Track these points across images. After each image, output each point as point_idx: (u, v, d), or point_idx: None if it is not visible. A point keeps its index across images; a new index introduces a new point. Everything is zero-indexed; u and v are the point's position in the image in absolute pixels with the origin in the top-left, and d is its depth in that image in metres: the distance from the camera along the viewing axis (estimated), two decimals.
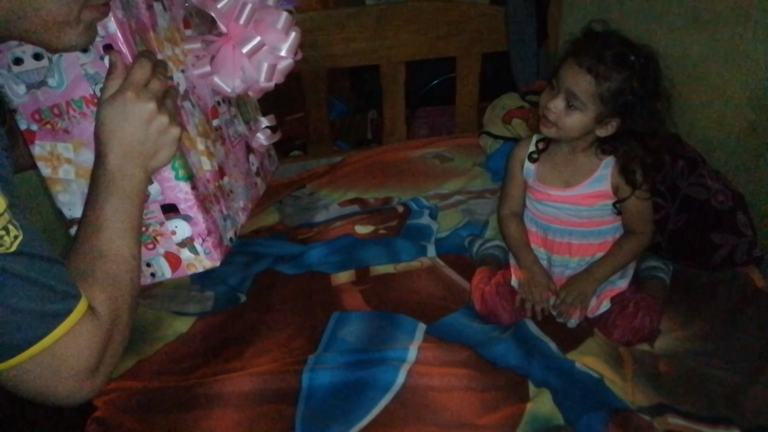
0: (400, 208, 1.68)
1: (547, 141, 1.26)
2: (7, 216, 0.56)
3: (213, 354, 1.18)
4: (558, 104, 1.13)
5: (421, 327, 1.23)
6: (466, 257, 1.47)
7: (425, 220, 1.62)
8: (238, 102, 1.13)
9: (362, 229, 1.58)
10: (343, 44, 1.97)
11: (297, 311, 1.28)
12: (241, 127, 1.11)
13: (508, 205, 1.34)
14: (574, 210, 1.22)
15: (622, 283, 1.24)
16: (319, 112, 2.09)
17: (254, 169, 1.13)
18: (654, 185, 1.19)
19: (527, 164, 1.28)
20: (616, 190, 1.20)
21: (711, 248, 1.37)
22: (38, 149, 0.85)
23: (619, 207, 1.20)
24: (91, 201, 0.72)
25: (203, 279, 1.40)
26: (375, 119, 2.54)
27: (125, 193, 0.72)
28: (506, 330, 1.23)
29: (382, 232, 1.57)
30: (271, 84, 1.04)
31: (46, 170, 0.86)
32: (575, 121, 1.13)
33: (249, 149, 1.13)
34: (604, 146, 1.18)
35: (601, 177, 1.19)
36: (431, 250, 1.49)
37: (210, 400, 1.08)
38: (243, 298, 1.35)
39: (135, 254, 0.72)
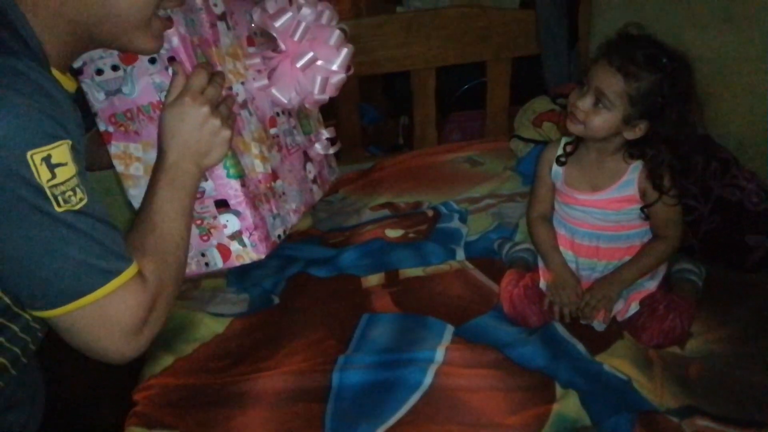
0: (430, 212, 1.70)
1: (575, 144, 1.26)
2: (75, 180, 0.65)
3: (247, 354, 1.23)
4: (586, 102, 1.13)
5: (450, 329, 1.25)
6: (495, 260, 1.48)
7: (455, 223, 1.64)
8: (300, 115, 1.21)
9: (392, 233, 1.60)
10: (374, 51, 2.00)
11: (328, 313, 1.32)
12: (300, 138, 1.20)
13: (536, 208, 1.35)
14: (601, 214, 1.22)
15: (651, 285, 1.23)
16: (351, 118, 2.13)
17: (311, 176, 1.21)
18: (682, 191, 1.18)
19: (555, 167, 1.28)
20: (643, 194, 1.20)
21: (745, 250, 1.35)
22: (114, 149, 0.97)
23: (646, 212, 1.20)
24: (150, 189, 0.81)
25: (238, 282, 1.45)
26: (406, 124, 2.57)
27: (180, 184, 0.81)
28: (534, 332, 1.24)
29: (411, 235, 1.59)
30: (325, 96, 1.13)
31: (119, 167, 0.97)
32: (602, 120, 1.13)
33: (307, 158, 1.21)
34: (632, 150, 1.18)
35: (629, 181, 1.19)
36: (460, 254, 1.51)
37: (243, 397, 1.12)
38: (276, 300, 1.39)
39: (184, 237, 0.81)
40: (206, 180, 0.95)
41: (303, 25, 1.06)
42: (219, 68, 0.97)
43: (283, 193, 1.09)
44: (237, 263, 1.01)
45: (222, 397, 1.12)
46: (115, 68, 0.93)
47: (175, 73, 0.86)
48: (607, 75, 1.11)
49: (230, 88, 0.99)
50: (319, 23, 1.10)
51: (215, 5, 1.01)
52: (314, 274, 1.45)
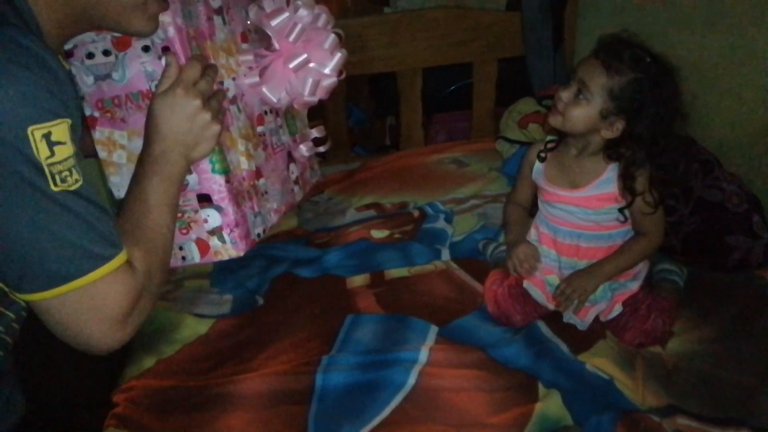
0: (416, 213, 1.70)
1: (557, 142, 1.27)
2: (72, 161, 0.64)
3: (230, 355, 1.22)
4: (568, 92, 1.15)
5: (434, 329, 1.25)
6: (480, 260, 1.49)
7: (440, 224, 1.64)
8: (287, 115, 1.21)
9: (378, 234, 1.60)
10: (361, 52, 2.00)
11: (313, 314, 1.31)
12: (286, 137, 1.20)
13: (514, 197, 1.38)
14: (581, 213, 1.22)
15: (633, 286, 1.24)
16: (337, 118, 2.13)
17: (293, 177, 1.21)
18: (662, 195, 1.18)
19: (536, 165, 1.29)
20: (622, 193, 1.20)
21: (726, 251, 1.36)
22: (98, 134, 0.96)
23: (626, 213, 1.20)
24: (136, 178, 0.80)
25: (222, 282, 1.44)
26: (393, 125, 2.57)
27: (167, 175, 0.80)
28: (518, 332, 1.24)
29: (397, 236, 1.59)
30: (315, 99, 1.13)
31: (102, 153, 0.96)
32: (581, 112, 1.14)
33: (291, 159, 1.21)
34: (610, 152, 1.18)
35: (608, 180, 1.20)
36: (446, 254, 1.51)
37: (225, 399, 1.11)
38: (261, 300, 1.38)
39: (170, 227, 0.81)
40: (191, 173, 0.94)
41: (299, 26, 1.06)
42: (212, 62, 0.96)
43: (266, 192, 1.09)
44: (215, 259, 1.01)
45: (204, 399, 1.11)
46: (106, 53, 0.92)
47: (168, 64, 0.85)
48: (591, 68, 1.13)
49: (221, 83, 0.99)
50: (314, 26, 1.10)
51: None
52: (299, 275, 1.45)
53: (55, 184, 0.63)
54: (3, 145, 0.60)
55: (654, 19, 1.81)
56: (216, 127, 0.84)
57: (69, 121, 0.64)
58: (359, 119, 2.66)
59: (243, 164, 1.03)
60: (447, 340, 1.22)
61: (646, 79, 1.12)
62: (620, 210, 1.20)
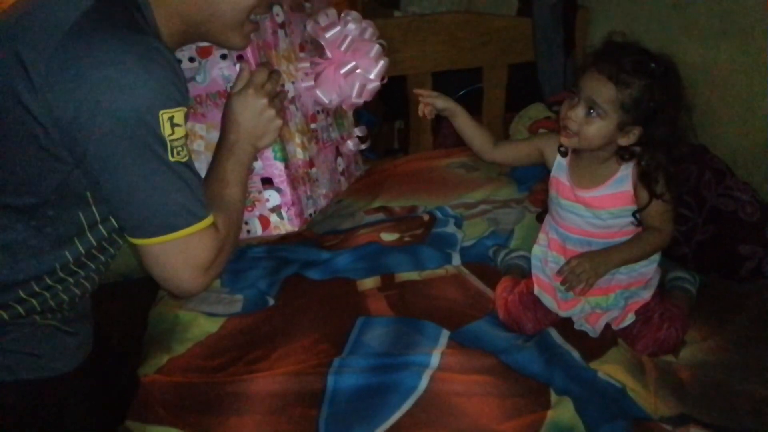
0: (426, 217, 1.69)
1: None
2: (184, 140, 0.82)
3: (240, 354, 1.22)
4: (579, 113, 1.12)
5: (445, 333, 1.24)
6: (491, 266, 1.48)
7: (450, 228, 1.64)
8: (336, 115, 1.38)
9: (388, 237, 1.60)
10: None
11: (323, 316, 1.31)
12: (335, 134, 1.36)
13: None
14: (593, 216, 1.21)
15: (646, 295, 1.23)
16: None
17: (340, 169, 1.38)
18: (678, 194, 1.18)
19: (558, 159, 1.26)
20: (635, 190, 1.18)
21: (738, 260, 1.36)
22: None
23: (638, 217, 1.19)
24: (216, 161, 0.98)
25: (233, 282, 1.44)
26: (402, 129, 2.57)
27: (239, 158, 0.97)
28: (530, 338, 1.24)
29: (407, 239, 1.59)
30: (360, 101, 1.31)
31: None
32: (597, 129, 1.12)
33: (339, 153, 1.38)
34: (623, 153, 1.16)
35: (622, 178, 1.18)
36: (456, 259, 1.51)
37: (236, 398, 1.11)
38: (271, 301, 1.38)
39: (242, 201, 0.98)
40: (256, 160, 1.10)
41: (349, 38, 1.23)
42: (276, 68, 1.11)
43: (317, 179, 1.26)
44: (274, 233, 1.18)
45: (216, 397, 1.11)
46: (191, 60, 1.11)
47: (241, 69, 1.03)
48: (597, 84, 1.11)
49: (283, 86, 1.15)
50: (362, 37, 1.27)
51: (278, 15, 1.17)
52: (309, 277, 1.44)
53: (173, 156, 0.80)
54: (141, 122, 0.76)
55: (665, 26, 1.82)
56: (278, 122, 1.01)
57: (185, 109, 0.81)
58: (368, 123, 2.65)
59: (299, 154, 1.20)
60: (459, 344, 1.22)
61: (655, 83, 1.10)
62: (634, 214, 1.18)
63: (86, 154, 0.77)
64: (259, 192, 1.15)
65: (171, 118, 0.78)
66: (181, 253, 0.83)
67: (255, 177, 1.13)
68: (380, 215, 1.74)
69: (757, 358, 1.16)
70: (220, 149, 0.98)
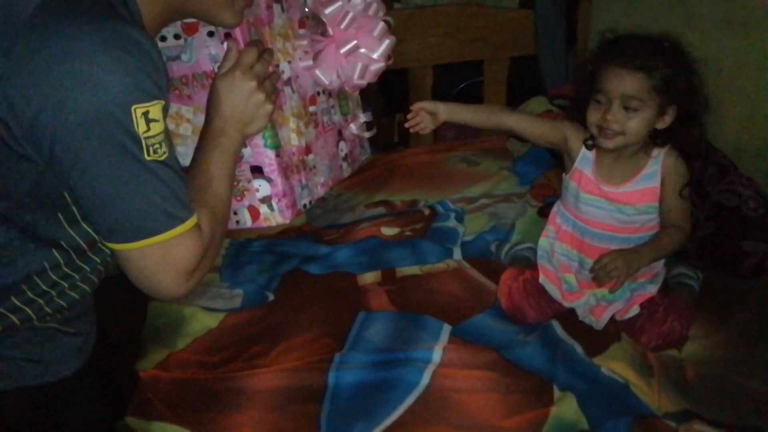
0: (426, 211, 1.69)
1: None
2: (162, 136, 0.75)
3: (241, 350, 1.21)
4: (617, 113, 1.11)
5: (447, 328, 1.24)
6: (492, 260, 1.47)
7: (451, 222, 1.63)
8: (339, 96, 1.29)
9: (388, 231, 1.59)
10: None
11: (323, 311, 1.30)
12: (337, 117, 1.28)
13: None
14: (619, 211, 1.19)
15: (652, 288, 1.22)
16: None
17: (342, 154, 1.30)
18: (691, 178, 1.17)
19: (584, 151, 1.23)
20: (662, 186, 1.17)
21: (741, 256, 1.35)
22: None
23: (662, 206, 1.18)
24: (199, 150, 0.90)
25: (232, 277, 1.43)
26: (402, 122, 2.54)
27: (225, 148, 0.90)
28: (532, 331, 1.23)
29: (407, 233, 1.58)
30: (363, 82, 1.21)
31: (170, 126, 1.04)
32: (639, 121, 1.11)
33: (341, 137, 1.30)
34: (656, 139, 1.15)
35: (652, 173, 1.17)
36: (457, 253, 1.50)
37: (237, 394, 1.10)
38: (271, 296, 1.37)
39: (228, 195, 0.91)
40: (245, 147, 1.04)
41: (351, 14, 1.15)
42: (269, 46, 1.05)
43: (314, 167, 1.19)
44: (264, 225, 1.10)
45: (216, 392, 1.10)
46: (177, 37, 1.03)
47: (229, 48, 0.94)
48: (626, 79, 1.09)
49: (277, 66, 1.08)
50: (366, 14, 1.18)
51: None
52: (309, 271, 1.44)
53: (148, 155, 0.73)
54: (111, 118, 0.70)
55: (668, 19, 1.80)
56: (269, 107, 0.93)
57: (162, 102, 0.74)
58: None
59: (293, 140, 1.13)
60: (460, 339, 1.21)
61: (674, 59, 1.10)
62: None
63: (53, 152, 0.71)
64: (248, 181, 1.08)
65: (146, 113, 0.72)
66: (161, 258, 0.77)
67: (244, 165, 1.07)
68: (381, 209, 1.73)
69: (760, 354, 1.16)
70: (204, 138, 0.91)
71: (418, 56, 2.04)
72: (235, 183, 1.03)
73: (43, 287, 0.82)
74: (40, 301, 0.83)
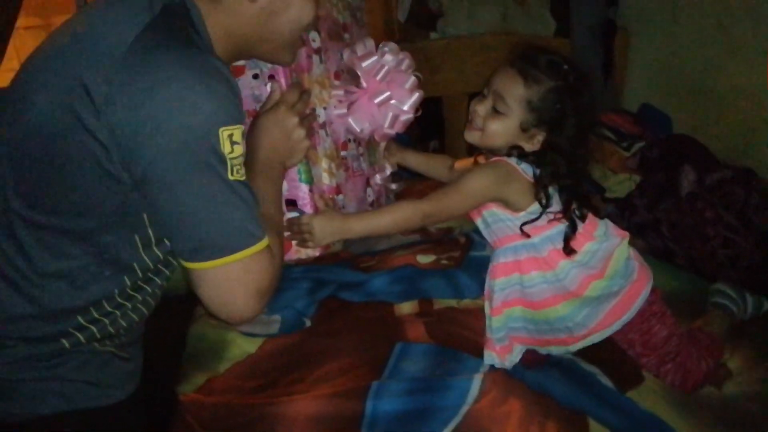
0: (462, 239, 1.68)
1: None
2: (241, 159, 0.81)
3: (279, 376, 1.22)
4: (484, 107, 1.09)
5: (485, 365, 1.21)
6: None
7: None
8: (369, 146, 1.37)
9: (424, 259, 1.59)
10: None
11: (360, 339, 1.30)
12: (365, 165, 1.36)
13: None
14: (483, 224, 1.18)
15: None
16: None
17: (369, 200, 1.36)
18: (569, 210, 1.09)
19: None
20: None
21: None
22: None
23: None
24: (249, 181, 0.91)
25: (271, 302, 1.44)
26: (437, 149, 2.57)
27: (271, 177, 0.97)
28: (559, 367, 1.21)
29: (444, 262, 1.58)
30: (393, 131, 1.28)
31: None
32: (499, 125, 1.08)
33: (368, 184, 1.38)
34: (512, 152, 1.11)
35: None
36: None
37: (275, 420, 1.11)
38: (308, 322, 1.38)
39: (279, 221, 0.98)
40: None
41: (385, 68, 1.23)
42: (307, 88, 1.12)
43: (343, 207, 1.24)
44: (294, 257, 1.16)
45: (254, 419, 1.11)
46: None
47: (272, 89, 1.04)
48: (506, 78, 1.08)
49: (313, 110, 1.16)
50: (398, 69, 1.26)
51: (314, 41, 1.18)
52: (346, 299, 1.44)
53: (232, 174, 0.79)
54: (201, 139, 0.76)
55: (708, 47, 1.79)
56: (307, 142, 1.02)
57: (242, 127, 0.80)
58: (403, 142, 2.66)
59: (325, 179, 1.19)
60: (497, 373, 1.19)
61: (566, 88, 1.06)
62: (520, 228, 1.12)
63: (146, 173, 0.76)
64: (282, 213, 1.12)
65: (230, 135, 0.77)
66: (240, 276, 0.80)
67: None
68: (416, 236, 1.73)
69: None
70: (252, 170, 0.94)
71: (454, 85, 2.07)
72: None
73: (108, 308, 0.86)
74: (105, 320, 0.87)
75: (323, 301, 1.44)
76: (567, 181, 1.09)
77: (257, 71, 1.08)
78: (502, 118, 1.08)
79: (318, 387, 1.17)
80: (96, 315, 0.85)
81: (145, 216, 0.82)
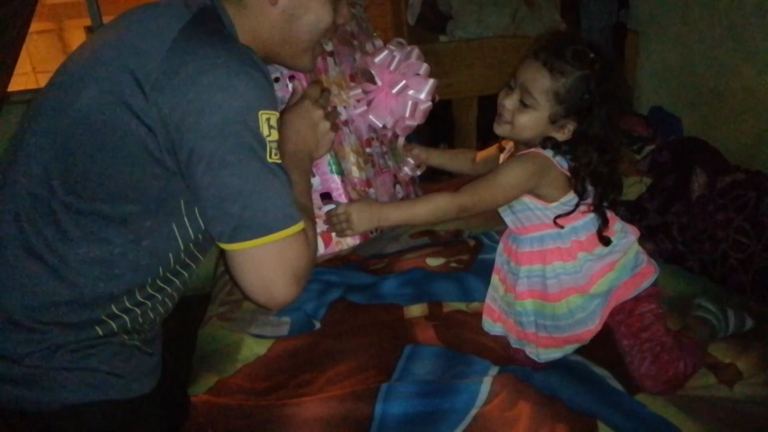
0: (471, 242, 1.68)
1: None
2: (277, 144, 0.84)
3: (288, 378, 1.23)
4: (512, 101, 1.09)
5: (494, 369, 1.22)
6: None
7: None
8: (391, 144, 1.38)
9: (433, 261, 1.60)
10: None
11: (370, 342, 1.31)
12: (391, 162, 1.36)
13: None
14: (508, 210, 1.18)
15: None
16: None
17: (399, 196, 1.36)
18: (602, 202, 1.10)
19: (501, 156, 1.25)
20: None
21: None
22: None
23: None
24: None
25: None
26: None
27: (300, 167, 0.98)
28: (572, 373, 1.21)
29: (453, 265, 1.58)
30: (414, 122, 1.29)
31: None
32: (528, 119, 1.08)
33: (396, 180, 1.37)
34: (546, 143, 1.10)
35: None
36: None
37: (284, 422, 1.12)
38: (318, 324, 1.39)
39: (311, 210, 0.98)
40: (313, 176, 1.11)
41: (397, 58, 1.26)
42: (327, 87, 1.15)
43: (376, 200, 1.23)
44: (336, 249, 1.15)
45: (264, 420, 1.12)
46: None
47: (295, 87, 1.09)
48: (532, 71, 1.07)
49: (335, 107, 1.19)
50: (409, 59, 1.29)
51: (326, 44, 1.20)
52: (355, 301, 1.45)
53: (270, 156, 0.82)
54: (245, 121, 0.80)
55: (719, 51, 1.78)
56: (332, 134, 1.05)
57: (277, 114, 0.84)
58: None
59: (354, 173, 1.20)
60: (507, 376, 1.19)
61: (593, 76, 1.05)
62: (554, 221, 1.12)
63: (191, 155, 0.79)
64: (319, 208, 1.12)
65: (268, 119, 0.81)
66: (278, 256, 0.82)
67: (314, 193, 1.12)
68: (425, 239, 1.74)
69: None
70: (281, 159, 0.95)
71: (463, 88, 2.07)
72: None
73: (140, 298, 0.89)
74: (137, 311, 0.89)
75: (333, 304, 1.45)
76: (603, 169, 1.09)
77: (278, 74, 1.12)
78: (531, 111, 1.08)
79: (327, 389, 1.18)
80: (128, 304, 0.88)
81: (182, 203, 0.85)
